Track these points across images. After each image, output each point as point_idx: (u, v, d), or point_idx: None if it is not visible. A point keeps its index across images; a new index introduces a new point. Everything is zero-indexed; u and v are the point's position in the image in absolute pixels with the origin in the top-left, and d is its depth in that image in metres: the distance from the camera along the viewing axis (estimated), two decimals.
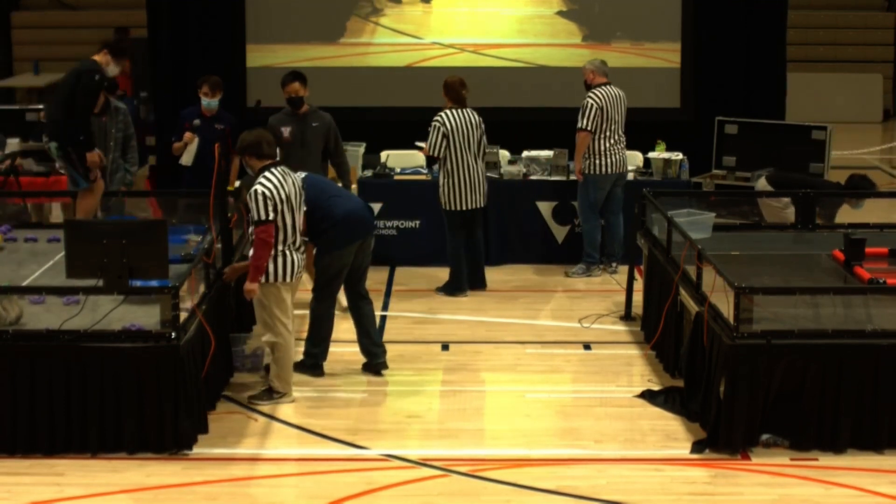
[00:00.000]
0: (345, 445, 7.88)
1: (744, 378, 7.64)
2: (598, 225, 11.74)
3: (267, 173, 8.33)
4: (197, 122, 11.21)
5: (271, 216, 8.23)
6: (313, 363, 9.06)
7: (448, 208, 11.05)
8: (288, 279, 8.40)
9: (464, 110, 11.03)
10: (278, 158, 8.56)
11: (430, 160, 11.83)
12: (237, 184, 9.48)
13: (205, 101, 11.22)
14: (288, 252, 8.39)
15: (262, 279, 8.36)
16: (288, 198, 8.33)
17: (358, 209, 9.09)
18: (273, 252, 8.33)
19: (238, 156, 8.58)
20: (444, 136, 10.89)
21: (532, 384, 9.08)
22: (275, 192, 8.25)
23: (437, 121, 10.93)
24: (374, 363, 9.15)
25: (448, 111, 10.94)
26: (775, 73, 14.08)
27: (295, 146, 10.40)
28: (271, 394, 8.52)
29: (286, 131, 10.47)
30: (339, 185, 10.14)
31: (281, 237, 8.34)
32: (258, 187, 8.25)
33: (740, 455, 7.67)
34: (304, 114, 10.60)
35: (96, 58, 10.25)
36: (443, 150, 10.92)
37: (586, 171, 11.61)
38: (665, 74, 14.18)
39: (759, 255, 9.20)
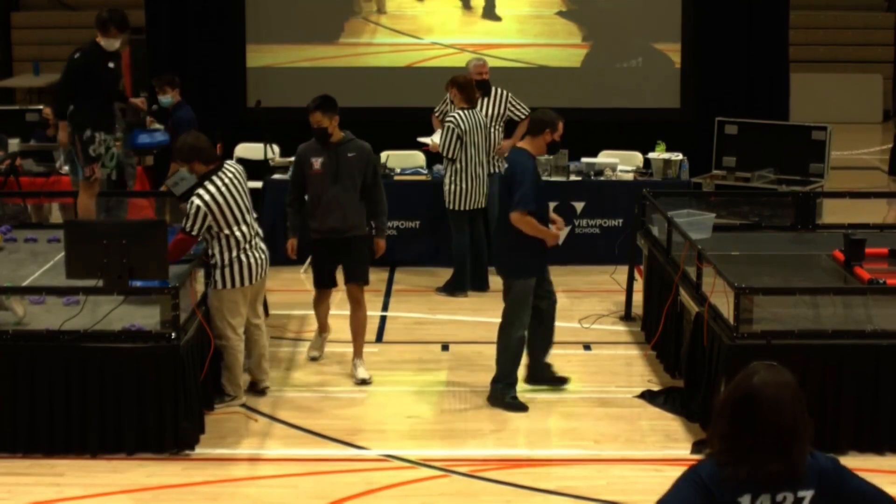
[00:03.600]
0: (345, 446, 7.88)
1: None
2: None
3: (208, 184, 8.10)
4: (155, 107, 11.40)
5: (195, 231, 8.07)
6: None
7: (453, 208, 11.05)
8: (246, 283, 8.27)
9: (474, 111, 11.05)
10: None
11: (434, 158, 11.86)
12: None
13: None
14: (244, 256, 8.22)
15: (220, 286, 8.23)
16: (235, 203, 8.14)
17: None
18: (227, 259, 8.17)
19: (180, 161, 8.33)
20: (459, 137, 10.88)
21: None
22: (214, 207, 8.04)
23: (451, 122, 10.89)
24: (552, 376, 8.94)
25: (461, 112, 10.92)
26: (778, 74, 14.09)
27: (326, 180, 8.86)
28: (223, 396, 8.49)
29: (317, 163, 8.87)
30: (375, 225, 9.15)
31: (233, 243, 8.16)
32: (196, 200, 8.04)
33: None
34: (336, 143, 8.86)
35: (98, 39, 10.03)
36: (457, 150, 10.91)
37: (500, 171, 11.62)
38: (665, 74, 14.18)
39: (759, 256, 9.20)
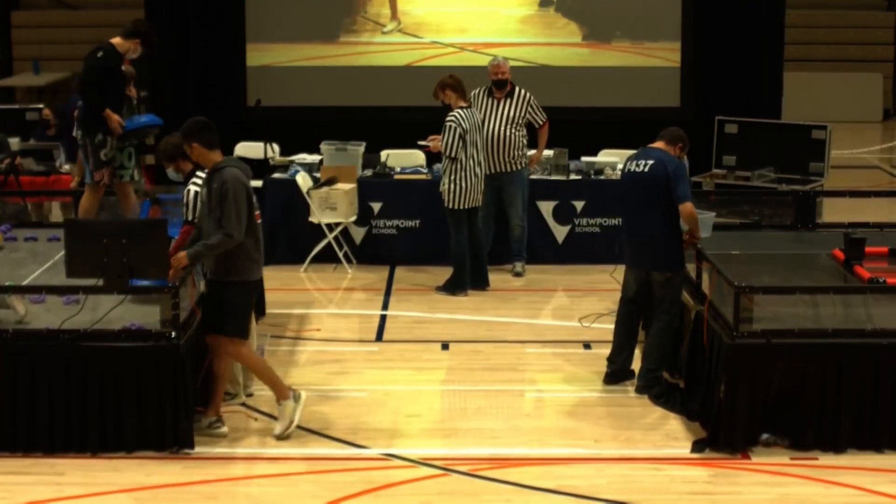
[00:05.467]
0: (345, 445, 7.88)
1: (744, 377, 7.64)
2: None
3: (199, 173, 8.11)
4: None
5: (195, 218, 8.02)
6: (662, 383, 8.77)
7: (453, 207, 11.03)
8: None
9: (472, 110, 11.05)
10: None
11: (434, 157, 11.86)
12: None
13: None
14: None
15: None
16: None
17: None
18: None
19: (165, 162, 8.26)
20: (461, 136, 10.86)
21: (532, 383, 9.08)
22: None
23: (453, 121, 10.87)
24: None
25: (460, 111, 10.90)
26: (772, 73, 14.09)
27: (204, 210, 7.86)
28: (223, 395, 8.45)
29: (203, 192, 7.95)
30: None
31: None
32: (193, 188, 8.02)
33: (740, 454, 7.67)
34: (210, 172, 7.80)
35: (115, 41, 10.03)
36: (459, 149, 10.90)
37: (527, 166, 11.79)
38: (665, 74, 14.19)
39: (759, 255, 9.19)
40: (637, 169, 8.60)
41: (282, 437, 7.85)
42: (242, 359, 7.95)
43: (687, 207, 8.44)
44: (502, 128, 11.50)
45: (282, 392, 7.94)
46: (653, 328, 8.70)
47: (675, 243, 8.57)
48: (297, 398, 7.94)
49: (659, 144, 8.69)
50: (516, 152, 11.57)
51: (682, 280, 8.68)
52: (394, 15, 14.34)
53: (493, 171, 11.51)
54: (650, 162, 8.55)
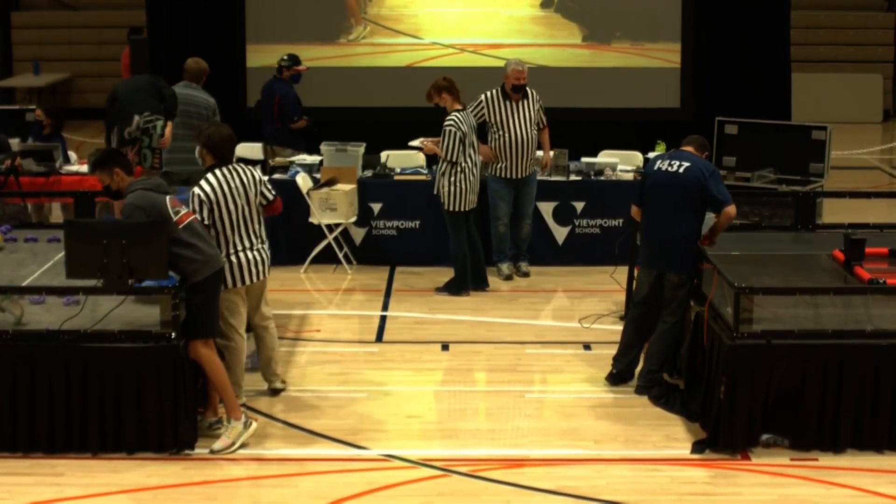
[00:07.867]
0: (345, 445, 7.88)
1: (744, 378, 7.64)
2: None
3: (210, 175, 8.09)
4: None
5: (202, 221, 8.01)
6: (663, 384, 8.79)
7: (453, 209, 11.02)
8: (238, 283, 8.16)
9: (467, 112, 11.04)
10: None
11: (433, 158, 11.87)
12: None
13: None
14: (234, 258, 8.11)
15: None
16: (235, 203, 8.07)
17: None
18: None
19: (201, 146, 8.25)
20: (460, 139, 10.84)
21: (532, 384, 9.08)
22: (213, 198, 8.00)
23: (452, 125, 10.84)
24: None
25: (458, 114, 10.88)
26: (780, 74, 14.10)
27: None
28: None
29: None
30: None
31: (222, 242, 8.06)
32: (196, 189, 8.04)
33: (740, 455, 7.67)
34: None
35: None
36: (458, 153, 10.88)
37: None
38: (665, 74, 14.20)
39: (759, 256, 9.19)
40: (671, 169, 8.54)
41: (215, 453, 7.71)
42: (203, 361, 7.80)
43: (732, 210, 8.48)
44: (526, 129, 11.44)
45: (234, 411, 7.85)
46: (658, 329, 8.69)
47: (693, 246, 8.57)
48: (247, 425, 7.86)
49: (688, 149, 8.67)
50: (535, 152, 11.59)
51: (693, 284, 8.67)
52: (358, 21, 14.33)
53: (516, 175, 11.48)
54: (686, 164, 8.52)
